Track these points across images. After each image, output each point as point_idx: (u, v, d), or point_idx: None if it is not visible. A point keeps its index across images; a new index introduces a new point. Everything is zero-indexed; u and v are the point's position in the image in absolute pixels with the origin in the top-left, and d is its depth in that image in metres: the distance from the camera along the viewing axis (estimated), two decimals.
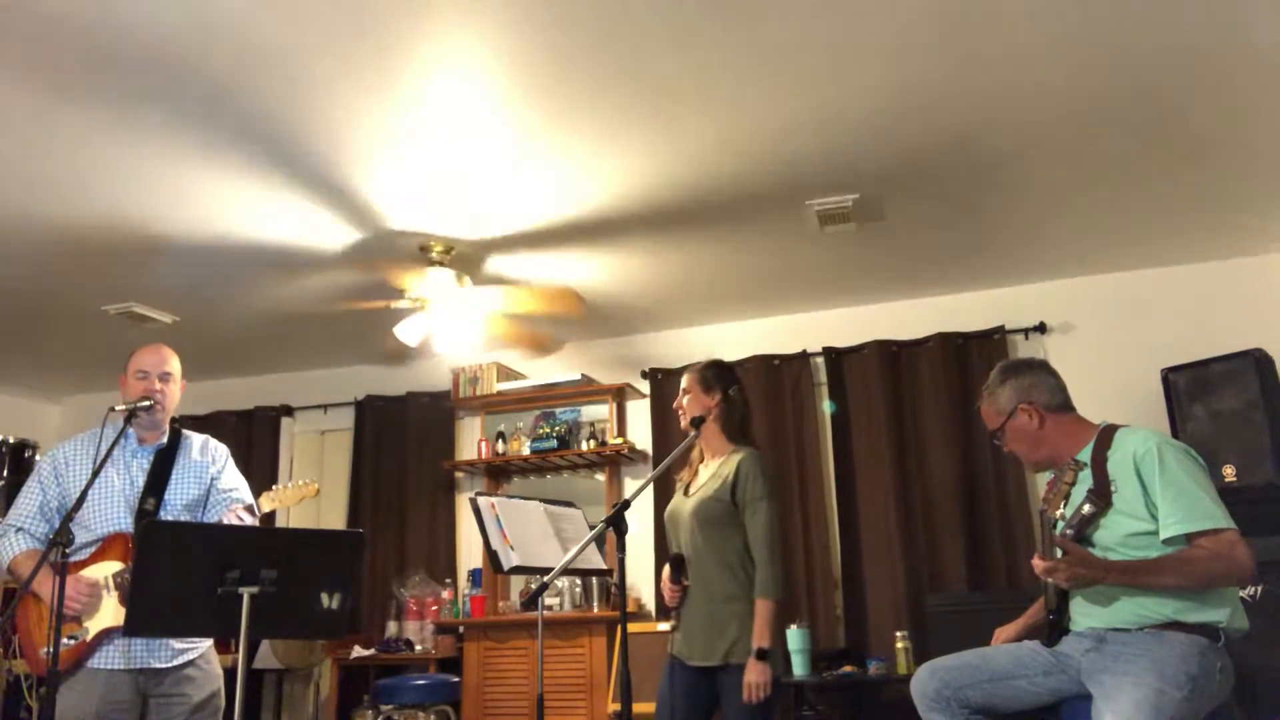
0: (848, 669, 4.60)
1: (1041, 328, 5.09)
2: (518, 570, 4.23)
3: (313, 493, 3.18)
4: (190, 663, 2.96)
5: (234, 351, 5.93)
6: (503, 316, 4.63)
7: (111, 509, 2.97)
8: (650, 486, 3.41)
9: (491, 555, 4.11)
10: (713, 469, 3.15)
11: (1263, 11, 2.90)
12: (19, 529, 2.96)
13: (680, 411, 3.25)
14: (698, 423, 3.06)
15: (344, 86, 3.14)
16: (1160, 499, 2.39)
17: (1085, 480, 2.53)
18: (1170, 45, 3.07)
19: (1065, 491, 2.49)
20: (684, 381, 3.28)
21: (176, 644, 2.94)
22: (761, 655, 2.89)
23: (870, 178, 3.90)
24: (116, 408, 2.94)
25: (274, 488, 3.17)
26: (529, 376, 5.78)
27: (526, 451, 5.57)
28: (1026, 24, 2.93)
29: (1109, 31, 2.98)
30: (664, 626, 3.23)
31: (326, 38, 2.88)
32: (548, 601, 4.97)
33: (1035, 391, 2.67)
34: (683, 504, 3.17)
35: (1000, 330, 5.11)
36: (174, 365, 3.10)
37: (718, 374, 3.24)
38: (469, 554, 5.73)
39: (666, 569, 3.12)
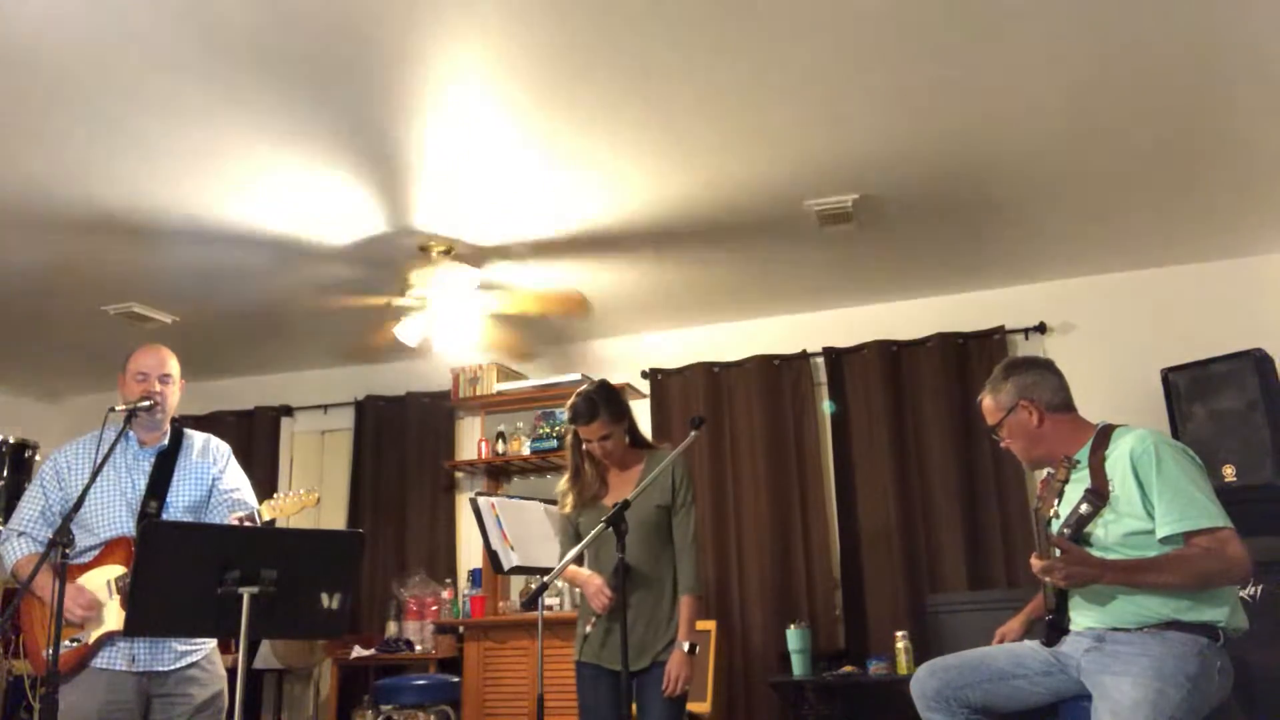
0: (848, 669, 4.61)
1: (1041, 328, 5.09)
2: (518, 570, 4.25)
3: (313, 502, 3.17)
4: (194, 664, 2.95)
5: (234, 351, 5.93)
6: (498, 324, 4.63)
7: (113, 512, 2.97)
8: None
9: (491, 555, 4.13)
10: (639, 475, 3.10)
11: (1261, 16, 2.91)
12: (22, 533, 2.96)
13: (604, 457, 3.17)
14: (698, 423, 3.04)
15: (354, 87, 3.14)
16: (1157, 498, 2.39)
17: (1079, 478, 2.54)
18: (1170, 50, 3.07)
19: (1058, 489, 2.49)
20: (595, 429, 3.11)
21: (179, 646, 2.93)
22: (692, 650, 3.00)
23: (870, 178, 3.90)
24: (116, 408, 2.93)
25: (274, 496, 3.16)
26: (529, 376, 5.78)
27: (526, 451, 5.57)
28: (1029, 31, 2.94)
29: (1110, 36, 2.98)
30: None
31: (350, 43, 2.89)
32: (548, 601, 4.97)
33: (1037, 389, 2.67)
34: (605, 511, 2.97)
35: (1000, 330, 5.11)
36: (173, 366, 3.09)
37: (615, 399, 3.20)
38: (469, 554, 5.72)
39: (596, 576, 3.05)
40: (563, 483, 3.29)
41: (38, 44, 2.86)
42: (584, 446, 3.19)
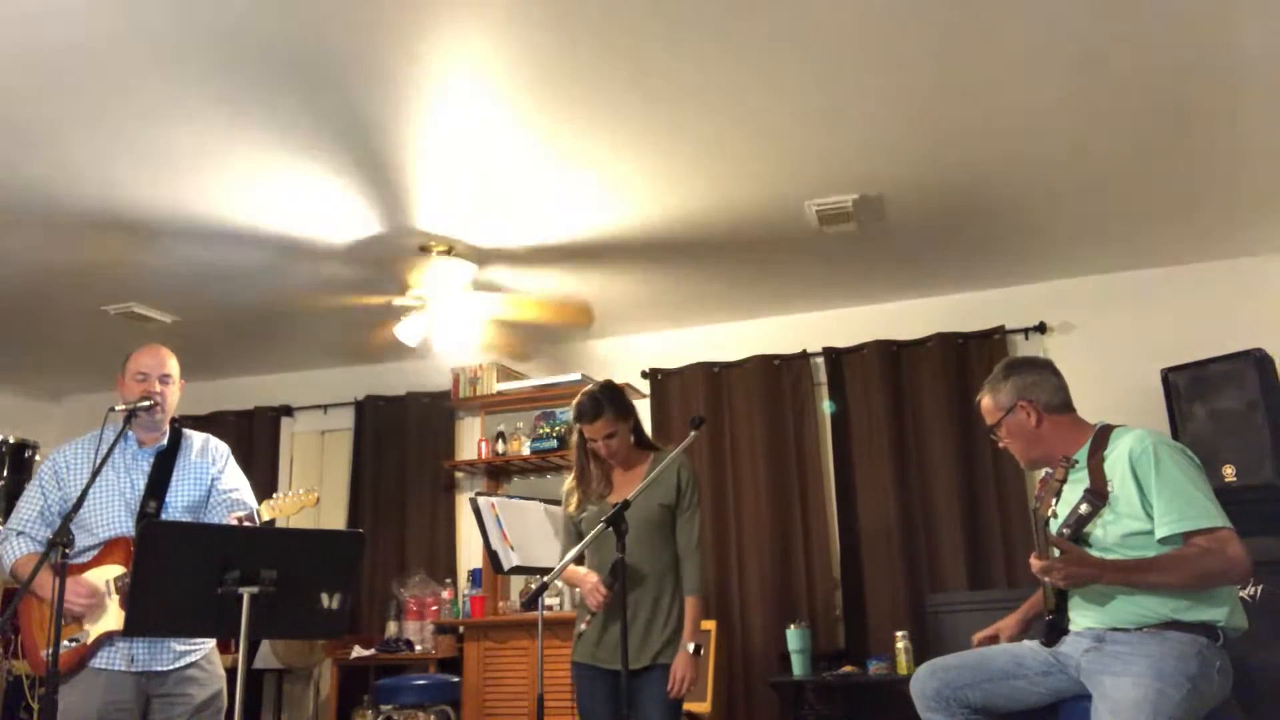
0: (848, 669, 4.60)
1: (1041, 328, 5.09)
2: (518, 570, 4.25)
3: (312, 502, 3.17)
4: (193, 664, 2.95)
5: (234, 351, 5.94)
6: (498, 325, 4.64)
7: (112, 512, 2.97)
8: None
9: (491, 555, 4.14)
10: (644, 475, 3.12)
11: (1259, 17, 2.92)
12: (20, 533, 2.96)
13: (609, 456, 3.18)
14: (698, 422, 3.03)
15: (354, 85, 3.14)
16: (1156, 498, 2.39)
17: (1078, 478, 2.53)
18: (1170, 51, 3.07)
19: (1056, 489, 2.49)
20: (600, 428, 3.13)
21: (178, 646, 2.93)
22: (697, 650, 3.00)
23: (871, 178, 3.90)
24: (116, 408, 2.93)
25: (274, 496, 3.15)
26: (529, 376, 5.79)
27: (526, 451, 5.57)
28: (1029, 31, 2.94)
29: (1110, 36, 2.98)
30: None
31: (349, 41, 2.89)
32: (548, 601, 4.97)
33: (1036, 390, 2.67)
34: (608, 510, 2.94)
35: (1000, 330, 5.11)
36: (172, 367, 3.09)
37: (619, 398, 3.21)
38: (469, 554, 5.73)
39: (592, 574, 3.06)
40: (568, 482, 3.30)
41: (36, 43, 2.86)
42: (588, 446, 3.20)
